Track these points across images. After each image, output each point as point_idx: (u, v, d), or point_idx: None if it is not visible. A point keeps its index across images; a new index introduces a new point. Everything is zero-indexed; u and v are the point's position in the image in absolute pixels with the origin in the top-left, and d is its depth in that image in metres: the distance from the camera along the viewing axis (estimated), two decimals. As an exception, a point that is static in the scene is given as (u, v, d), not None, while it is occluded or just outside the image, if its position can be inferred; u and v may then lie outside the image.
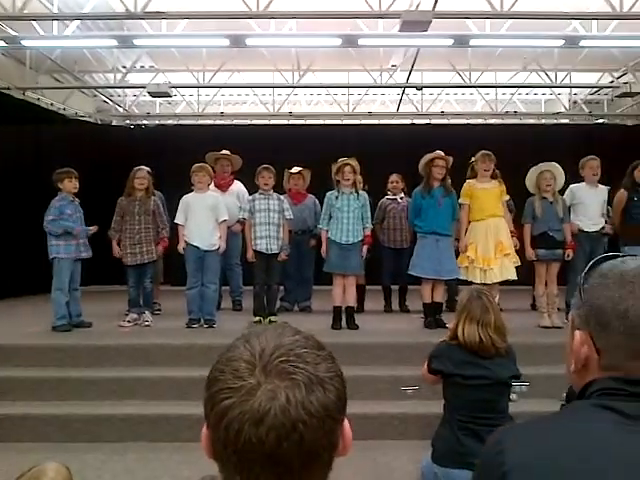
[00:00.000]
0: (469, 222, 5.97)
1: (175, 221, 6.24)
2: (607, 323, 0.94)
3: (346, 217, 5.89)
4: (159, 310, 7.15)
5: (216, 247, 6.11)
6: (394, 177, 7.49)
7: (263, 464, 0.73)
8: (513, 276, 5.82)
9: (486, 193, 5.92)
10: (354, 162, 5.95)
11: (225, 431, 0.74)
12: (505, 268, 5.78)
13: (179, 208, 6.21)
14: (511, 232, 6.05)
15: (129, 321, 6.23)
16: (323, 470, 0.78)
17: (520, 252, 6.07)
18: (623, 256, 1.03)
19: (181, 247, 6.12)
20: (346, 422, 0.81)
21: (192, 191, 6.30)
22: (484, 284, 5.53)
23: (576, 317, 1.00)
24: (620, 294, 0.94)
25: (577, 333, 0.99)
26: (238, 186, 7.22)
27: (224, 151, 7.30)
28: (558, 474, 0.83)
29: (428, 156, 6.00)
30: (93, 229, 6.13)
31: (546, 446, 0.86)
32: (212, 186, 6.67)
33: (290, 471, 0.74)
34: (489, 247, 5.79)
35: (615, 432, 0.86)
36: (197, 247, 6.05)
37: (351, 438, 0.82)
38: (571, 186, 6.32)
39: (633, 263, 0.98)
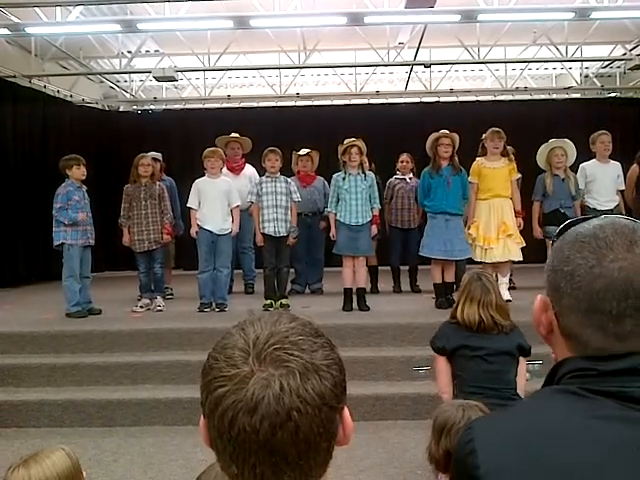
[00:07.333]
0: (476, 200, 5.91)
1: (188, 205, 6.23)
2: (558, 286, 0.89)
3: (354, 198, 5.86)
4: (171, 295, 7.19)
5: (228, 231, 6.11)
6: (404, 157, 7.42)
7: (258, 453, 0.72)
8: (516, 257, 5.77)
9: (494, 173, 5.84)
10: (361, 143, 5.90)
11: (219, 420, 0.73)
12: (507, 249, 5.73)
13: (192, 192, 6.19)
14: (517, 212, 5.93)
15: (141, 306, 6.27)
16: (322, 459, 0.77)
17: (525, 232, 5.98)
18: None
19: (194, 231, 6.11)
20: (346, 410, 0.79)
21: (202, 175, 6.29)
22: (483, 262, 5.63)
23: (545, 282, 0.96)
24: (569, 254, 0.89)
25: (538, 297, 0.94)
26: (250, 170, 7.19)
27: (233, 134, 7.25)
28: (536, 476, 0.77)
29: (433, 135, 5.95)
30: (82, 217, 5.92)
31: (521, 443, 0.80)
32: (225, 170, 6.64)
33: (286, 461, 0.73)
34: (491, 226, 5.76)
35: (593, 421, 0.80)
36: (210, 231, 6.05)
37: (352, 427, 0.80)
38: (582, 165, 6.22)
39: (594, 222, 0.91)
